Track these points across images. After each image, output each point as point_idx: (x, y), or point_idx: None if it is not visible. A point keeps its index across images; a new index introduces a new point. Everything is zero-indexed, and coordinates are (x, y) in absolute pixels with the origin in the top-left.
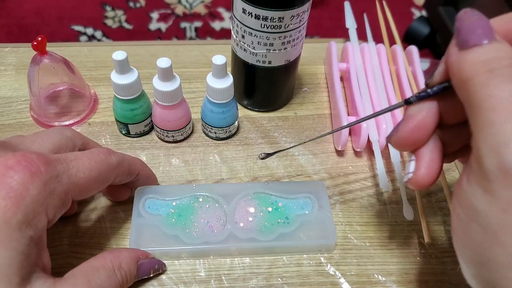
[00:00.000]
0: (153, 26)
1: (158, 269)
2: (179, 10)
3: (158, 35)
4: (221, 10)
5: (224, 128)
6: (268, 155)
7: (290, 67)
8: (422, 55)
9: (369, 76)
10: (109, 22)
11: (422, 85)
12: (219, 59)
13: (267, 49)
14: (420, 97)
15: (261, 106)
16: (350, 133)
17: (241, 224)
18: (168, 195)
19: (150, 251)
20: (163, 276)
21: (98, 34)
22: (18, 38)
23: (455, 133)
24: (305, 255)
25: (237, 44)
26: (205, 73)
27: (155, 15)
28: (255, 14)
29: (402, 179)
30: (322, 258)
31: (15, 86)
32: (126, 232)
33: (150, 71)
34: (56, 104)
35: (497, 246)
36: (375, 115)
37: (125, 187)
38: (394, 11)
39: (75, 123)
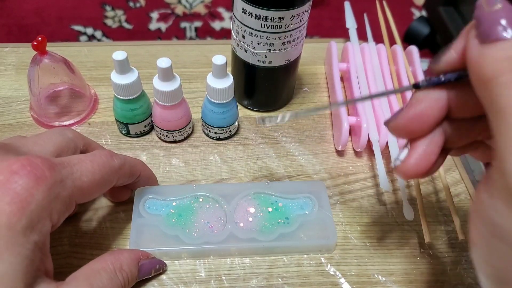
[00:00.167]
0: (153, 26)
1: (159, 269)
2: (179, 10)
3: (158, 35)
4: (221, 10)
5: (224, 128)
6: (265, 120)
7: (290, 67)
8: (422, 55)
9: (369, 76)
10: (109, 22)
11: None
12: (219, 59)
13: (267, 49)
14: (431, 83)
15: (261, 106)
16: (350, 133)
17: (241, 224)
18: (168, 195)
19: (150, 252)
20: (163, 276)
21: (98, 34)
22: (18, 38)
23: (465, 127)
24: (305, 255)
25: (237, 44)
26: (205, 73)
27: (155, 15)
28: (256, 14)
29: (394, 162)
30: (322, 258)
31: (15, 86)
32: (127, 232)
33: (150, 71)
34: (56, 104)
35: None
36: (380, 95)
37: (125, 188)
38: (394, 11)
39: (75, 123)
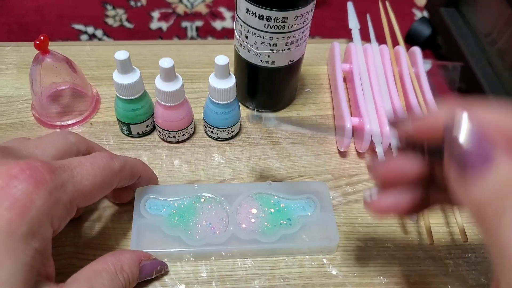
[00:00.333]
0: (154, 25)
1: (161, 270)
2: (180, 9)
3: (159, 34)
4: (222, 9)
5: (226, 129)
6: (257, 117)
7: (293, 67)
8: (423, 55)
9: (372, 77)
10: (110, 21)
11: (424, 87)
12: (222, 59)
13: (270, 50)
14: (400, 146)
15: (263, 106)
16: (353, 134)
17: (243, 226)
18: (170, 195)
19: (152, 253)
20: (165, 277)
21: (99, 33)
22: (18, 36)
23: (448, 196)
24: (307, 256)
25: (240, 44)
26: (208, 73)
27: (156, 14)
28: (259, 14)
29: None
30: (324, 260)
31: (17, 85)
32: (129, 233)
33: (152, 71)
34: (58, 103)
35: None
36: None
37: (126, 189)
38: (396, 11)
39: (77, 123)
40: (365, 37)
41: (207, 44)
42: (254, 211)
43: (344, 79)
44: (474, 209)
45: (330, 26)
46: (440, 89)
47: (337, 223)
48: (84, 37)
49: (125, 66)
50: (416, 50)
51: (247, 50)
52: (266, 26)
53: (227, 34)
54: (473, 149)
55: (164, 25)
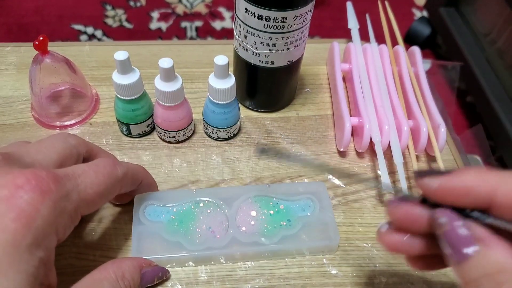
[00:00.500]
0: (154, 25)
1: (162, 276)
2: (180, 9)
3: (158, 34)
4: (221, 9)
5: (225, 129)
6: (263, 152)
7: (292, 67)
8: (423, 55)
9: (371, 76)
10: (109, 21)
11: (424, 86)
12: (221, 60)
13: (269, 50)
14: (404, 198)
15: (263, 106)
16: (352, 134)
17: (244, 228)
18: (168, 201)
19: (153, 259)
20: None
21: (99, 33)
22: (18, 37)
23: None
24: (307, 256)
25: (240, 44)
26: (207, 73)
27: (155, 14)
28: (258, 14)
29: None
30: (324, 259)
31: (16, 86)
32: (128, 233)
33: (152, 71)
34: (57, 104)
35: None
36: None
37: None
38: (395, 11)
39: (77, 123)
40: (364, 37)
41: (206, 44)
42: (253, 213)
43: (344, 79)
44: (462, 284)
45: (329, 26)
46: (439, 88)
47: (337, 223)
48: (83, 37)
49: (125, 66)
50: (416, 49)
51: (247, 50)
52: (265, 26)
53: (227, 34)
54: (453, 233)
55: (163, 25)
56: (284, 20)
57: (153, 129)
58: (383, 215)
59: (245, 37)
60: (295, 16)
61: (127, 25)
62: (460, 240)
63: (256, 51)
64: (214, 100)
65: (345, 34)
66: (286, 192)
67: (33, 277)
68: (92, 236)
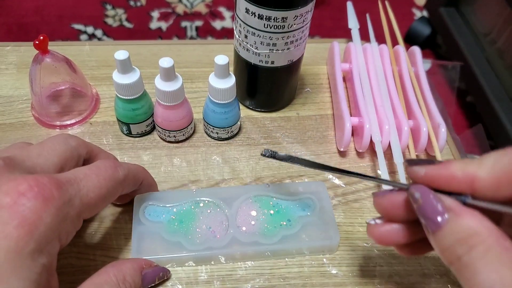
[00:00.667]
0: (154, 25)
1: (163, 276)
2: (180, 9)
3: (158, 34)
4: (222, 9)
5: (226, 129)
6: (272, 154)
7: (292, 67)
8: (423, 55)
9: (371, 76)
10: (109, 21)
11: (424, 86)
12: (222, 59)
13: (270, 49)
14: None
15: (263, 106)
16: (352, 134)
17: (244, 228)
18: (168, 201)
19: (153, 259)
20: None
21: (99, 33)
22: (18, 36)
23: None
24: (307, 256)
25: (240, 44)
26: (208, 73)
27: (155, 14)
28: (259, 14)
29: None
30: (324, 259)
31: (17, 85)
32: (128, 232)
33: (152, 71)
34: (57, 103)
35: None
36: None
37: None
38: (395, 11)
39: (77, 123)
40: (364, 37)
41: (206, 44)
42: (253, 213)
43: (344, 79)
44: (439, 253)
45: (330, 26)
46: (439, 88)
47: (337, 223)
48: (83, 37)
49: (125, 66)
50: (416, 49)
51: (247, 50)
52: (266, 26)
53: (227, 34)
54: (426, 205)
55: (163, 25)
56: (284, 19)
57: (153, 128)
58: None
59: (246, 36)
60: (295, 16)
61: (127, 24)
62: (432, 211)
63: (256, 50)
64: (214, 100)
65: (345, 34)
66: (286, 192)
67: (35, 283)
68: (92, 236)
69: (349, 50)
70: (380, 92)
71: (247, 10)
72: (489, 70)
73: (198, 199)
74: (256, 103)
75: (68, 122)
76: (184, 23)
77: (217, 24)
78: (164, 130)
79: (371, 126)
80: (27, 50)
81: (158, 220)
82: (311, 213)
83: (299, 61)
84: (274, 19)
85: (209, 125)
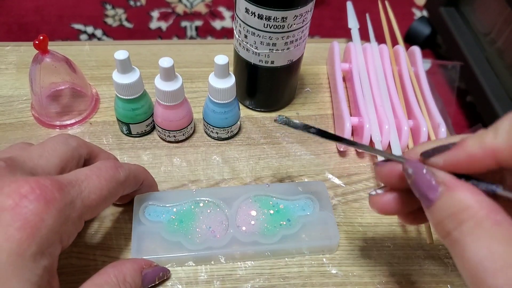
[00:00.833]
0: (154, 25)
1: (163, 276)
2: (180, 9)
3: (158, 34)
4: (221, 9)
5: (226, 128)
6: (286, 122)
7: (292, 67)
8: (423, 55)
9: (371, 76)
10: (109, 21)
11: (424, 86)
12: (222, 59)
13: (270, 49)
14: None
15: (263, 106)
16: (352, 134)
17: (244, 228)
18: (168, 201)
19: (153, 259)
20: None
21: (99, 32)
22: (18, 36)
23: None
24: (307, 256)
25: (240, 43)
26: (207, 72)
27: (155, 14)
28: (258, 14)
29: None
30: (324, 259)
31: (16, 85)
32: (128, 232)
33: (152, 71)
34: (57, 103)
35: None
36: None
37: None
38: (395, 11)
39: (77, 123)
40: (364, 37)
41: (206, 44)
42: (253, 213)
43: (344, 79)
44: (433, 228)
45: (329, 26)
46: (439, 88)
47: (337, 223)
48: (83, 36)
49: (125, 66)
50: (416, 49)
51: (247, 49)
52: (266, 26)
53: (227, 33)
54: (419, 181)
55: (163, 25)
56: (284, 19)
57: (153, 128)
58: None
59: (245, 36)
60: (295, 16)
61: (127, 24)
62: (425, 186)
63: (256, 50)
64: (214, 100)
65: (345, 34)
66: (286, 192)
67: (36, 285)
68: (92, 236)
69: (349, 50)
70: (380, 92)
71: (247, 10)
72: (489, 70)
73: (198, 199)
74: (256, 103)
75: (68, 122)
76: (184, 23)
77: (217, 24)
78: (164, 130)
79: (371, 126)
80: (27, 50)
81: (158, 220)
82: (311, 213)
83: (299, 61)
84: (274, 19)
85: (209, 125)
